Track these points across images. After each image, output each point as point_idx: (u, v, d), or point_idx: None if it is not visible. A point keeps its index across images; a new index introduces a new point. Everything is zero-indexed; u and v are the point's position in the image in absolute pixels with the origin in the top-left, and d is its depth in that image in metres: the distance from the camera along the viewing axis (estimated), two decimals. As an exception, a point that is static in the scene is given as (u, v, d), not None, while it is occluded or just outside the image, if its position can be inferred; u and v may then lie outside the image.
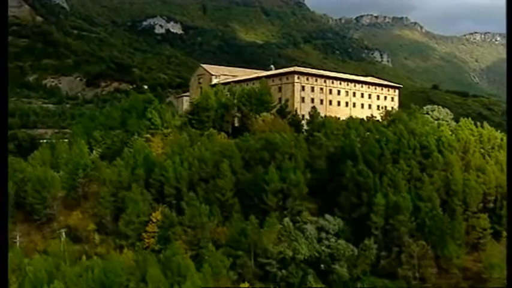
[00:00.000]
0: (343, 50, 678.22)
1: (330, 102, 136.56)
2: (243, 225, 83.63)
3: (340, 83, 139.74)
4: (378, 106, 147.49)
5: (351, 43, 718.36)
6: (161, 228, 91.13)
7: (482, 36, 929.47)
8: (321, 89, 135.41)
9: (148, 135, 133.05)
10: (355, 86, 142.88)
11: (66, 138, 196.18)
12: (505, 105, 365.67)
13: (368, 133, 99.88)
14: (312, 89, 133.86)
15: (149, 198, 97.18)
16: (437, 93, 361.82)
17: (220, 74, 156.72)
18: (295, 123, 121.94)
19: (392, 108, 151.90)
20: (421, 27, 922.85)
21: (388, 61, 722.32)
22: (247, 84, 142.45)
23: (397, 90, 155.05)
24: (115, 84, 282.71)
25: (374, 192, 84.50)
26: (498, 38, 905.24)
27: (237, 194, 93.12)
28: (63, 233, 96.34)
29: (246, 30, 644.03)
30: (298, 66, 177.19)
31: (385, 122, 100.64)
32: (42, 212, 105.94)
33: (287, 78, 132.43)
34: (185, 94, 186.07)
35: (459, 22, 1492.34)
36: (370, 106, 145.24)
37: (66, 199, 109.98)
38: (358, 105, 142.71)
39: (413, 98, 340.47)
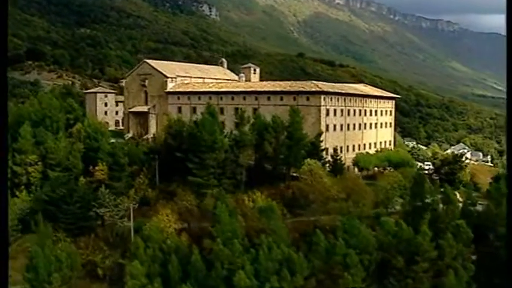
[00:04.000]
0: (173, 2, 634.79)
1: (348, 127, 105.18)
2: None
3: (356, 101, 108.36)
4: (381, 124, 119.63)
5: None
6: None
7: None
8: (341, 110, 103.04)
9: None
10: (366, 102, 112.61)
11: None
12: (372, 76, 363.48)
13: None
14: (335, 112, 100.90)
15: None
16: (307, 62, 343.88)
17: (176, 75, 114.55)
18: (337, 170, 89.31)
19: (390, 124, 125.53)
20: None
21: (216, 15, 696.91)
22: (232, 99, 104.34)
23: (393, 102, 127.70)
24: None
25: None
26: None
27: None
28: None
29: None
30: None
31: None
32: None
33: (307, 99, 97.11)
34: (101, 91, 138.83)
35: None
36: (376, 125, 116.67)
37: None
38: (368, 125, 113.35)
39: (284, 69, 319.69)
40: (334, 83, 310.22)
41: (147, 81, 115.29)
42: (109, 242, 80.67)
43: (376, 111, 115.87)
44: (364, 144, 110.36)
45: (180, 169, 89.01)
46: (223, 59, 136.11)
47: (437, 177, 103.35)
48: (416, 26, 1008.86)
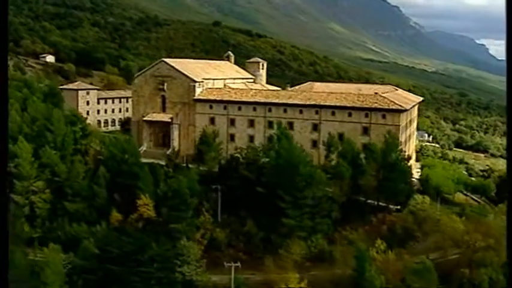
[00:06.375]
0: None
1: (405, 142, 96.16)
2: None
3: (410, 112, 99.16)
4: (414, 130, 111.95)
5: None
6: None
7: None
8: (405, 125, 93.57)
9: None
10: (412, 111, 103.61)
11: None
12: (293, 48, 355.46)
13: None
14: (404, 129, 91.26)
15: None
16: (226, 32, 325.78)
17: (202, 78, 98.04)
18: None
19: (417, 128, 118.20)
20: None
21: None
22: (284, 111, 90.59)
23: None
24: None
25: None
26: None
27: None
28: None
29: None
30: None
31: None
32: None
33: (383, 117, 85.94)
34: (82, 88, 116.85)
35: None
36: (412, 133, 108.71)
37: None
38: (409, 134, 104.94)
39: (206, 40, 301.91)
40: (259, 54, 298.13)
41: (166, 84, 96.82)
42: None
43: (413, 118, 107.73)
44: (409, 156, 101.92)
45: (255, 205, 75.92)
46: (230, 53, 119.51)
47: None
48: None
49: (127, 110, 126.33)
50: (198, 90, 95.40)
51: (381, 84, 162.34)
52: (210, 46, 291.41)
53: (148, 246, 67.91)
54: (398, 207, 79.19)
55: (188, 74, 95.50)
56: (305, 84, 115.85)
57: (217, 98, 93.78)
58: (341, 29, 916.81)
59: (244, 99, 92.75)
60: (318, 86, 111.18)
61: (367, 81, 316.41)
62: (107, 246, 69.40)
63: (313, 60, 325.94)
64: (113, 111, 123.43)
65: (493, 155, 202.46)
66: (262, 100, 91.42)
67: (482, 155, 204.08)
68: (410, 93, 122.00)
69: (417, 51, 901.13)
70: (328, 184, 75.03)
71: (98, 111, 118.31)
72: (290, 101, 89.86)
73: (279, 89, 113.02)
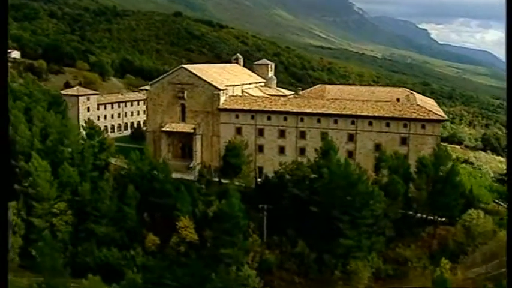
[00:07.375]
0: None
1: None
2: None
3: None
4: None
5: None
6: None
7: None
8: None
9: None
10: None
11: None
12: (252, 37, 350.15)
13: None
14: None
15: None
16: (189, 23, 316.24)
17: (225, 86, 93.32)
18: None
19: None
20: None
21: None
22: (318, 121, 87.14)
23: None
24: None
25: None
26: None
27: None
28: None
29: None
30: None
31: None
32: None
33: (423, 127, 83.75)
34: (83, 94, 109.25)
35: None
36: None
37: None
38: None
39: (169, 31, 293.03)
40: (224, 46, 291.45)
41: (186, 92, 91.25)
42: None
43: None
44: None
45: (305, 225, 72.91)
46: (238, 55, 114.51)
47: None
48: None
49: (125, 114, 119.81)
50: (222, 99, 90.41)
51: (392, 86, 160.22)
52: (175, 38, 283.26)
53: (209, 277, 63.41)
54: (444, 219, 77.52)
55: (212, 82, 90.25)
56: (316, 86, 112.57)
57: (245, 107, 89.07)
58: (287, 15, 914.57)
59: (274, 108, 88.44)
60: (330, 88, 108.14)
61: (329, 70, 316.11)
62: (160, 278, 64.61)
63: (277, 51, 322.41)
64: (112, 116, 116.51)
65: (467, 146, 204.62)
66: (295, 110, 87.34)
67: (458, 146, 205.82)
68: (426, 97, 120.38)
69: (362, 36, 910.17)
70: (384, 201, 72.25)
71: (98, 118, 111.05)
72: (325, 111, 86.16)
73: (292, 93, 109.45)
